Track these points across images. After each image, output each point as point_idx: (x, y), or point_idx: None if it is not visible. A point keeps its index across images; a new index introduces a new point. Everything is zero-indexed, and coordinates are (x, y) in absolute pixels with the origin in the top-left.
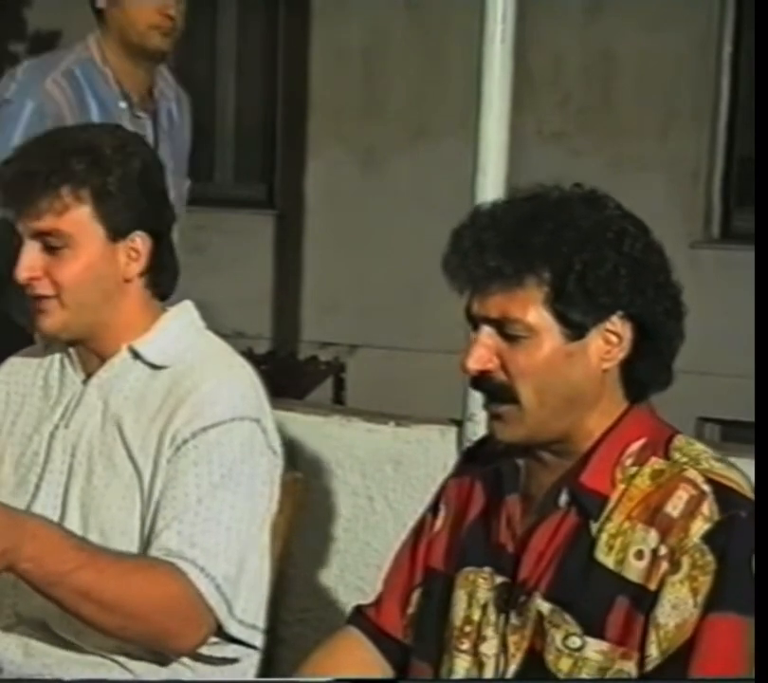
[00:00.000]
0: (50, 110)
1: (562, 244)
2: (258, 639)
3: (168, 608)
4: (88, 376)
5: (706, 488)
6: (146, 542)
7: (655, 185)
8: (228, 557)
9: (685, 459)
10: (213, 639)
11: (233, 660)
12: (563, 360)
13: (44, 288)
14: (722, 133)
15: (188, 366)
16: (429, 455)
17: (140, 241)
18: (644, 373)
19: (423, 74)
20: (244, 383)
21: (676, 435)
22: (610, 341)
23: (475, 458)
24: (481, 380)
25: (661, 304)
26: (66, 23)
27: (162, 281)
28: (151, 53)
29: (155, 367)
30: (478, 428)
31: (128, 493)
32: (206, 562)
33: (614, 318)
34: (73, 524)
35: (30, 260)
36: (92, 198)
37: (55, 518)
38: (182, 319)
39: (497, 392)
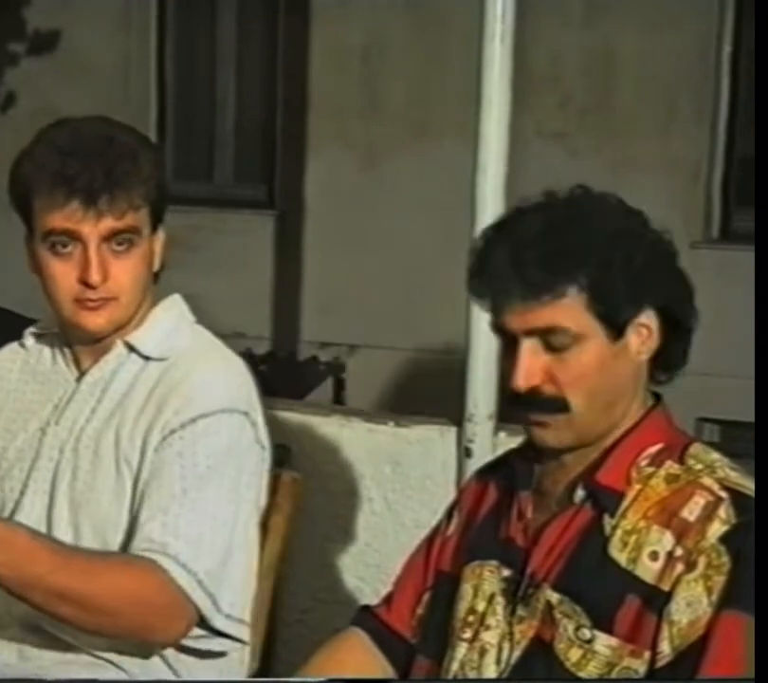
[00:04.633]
0: None
1: (593, 248)
2: (245, 633)
3: (146, 604)
4: (82, 373)
5: (723, 494)
6: (130, 532)
7: (655, 185)
8: (212, 550)
9: (699, 466)
10: (201, 633)
11: (220, 654)
12: (611, 362)
13: (107, 291)
14: (722, 133)
15: (178, 358)
16: (428, 456)
17: (161, 234)
18: (673, 357)
19: (423, 74)
20: (234, 376)
21: (693, 443)
22: (641, 333)
23: (493, 466)
24: (527, 395)
25: (679, 288)
26: (66, 23)
27: (160, 272)
28: None
29: (147, 359)
30: (477, 428)
31: (118, 487)
32: (188, 556)
33: (644, 311)
34: (62, 520)
35: (103, 262)
36: (150, 194)
37: (44, 515)
38: (173, 311)
39: (546, 404)
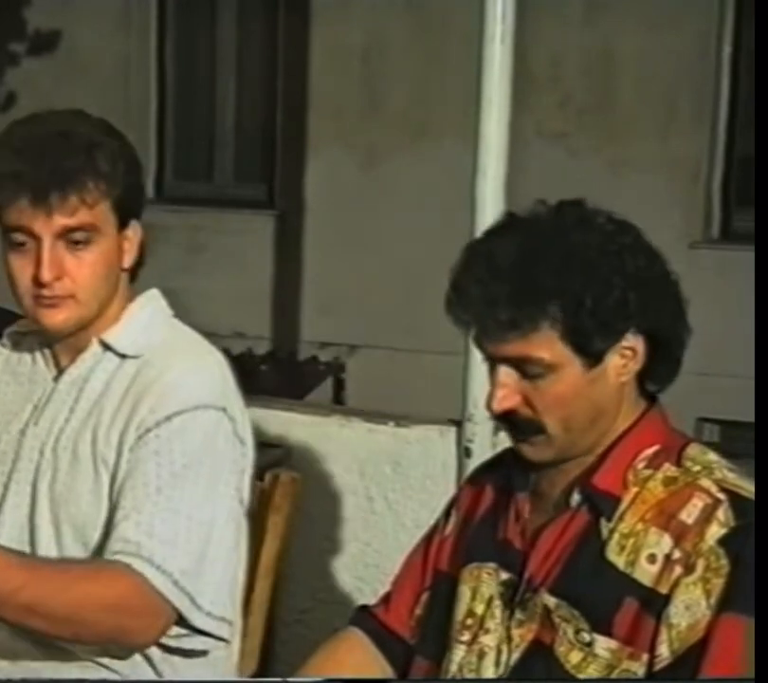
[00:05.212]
0: None
1: (568, 281)
2: (226, 631)
3: (121, 608)
4: (60, 372)
5: (721, 496)
6: (109, 532)
7: (655, 185)
8: (187, 549)
9: (697, 468)
10: (182, 631)
11: (203, 652)
12: (586, 388)
13: (62, 289)
14: (722, 133)
15: (153, 355)
16: (428, 456)
17: (133, 230)
18: (660, 373)
19: (423, 74)
20: (209, 371)
21: (690, 444)
22: (625, 355)
23: (491, 466)
24: (505, 417)
25: (667, 309)
26: (66, 23)
27: (138, 268)
28: None
29: (123, 357)
30: (477, 428)
31: (96, 487)
32: (163, 556)
33: (627, 335)
34: (44, 521)
35: (58, 259)
36: (110, 190)
37: (26, 517)
38: (150, 307)
39: (523, 425)
